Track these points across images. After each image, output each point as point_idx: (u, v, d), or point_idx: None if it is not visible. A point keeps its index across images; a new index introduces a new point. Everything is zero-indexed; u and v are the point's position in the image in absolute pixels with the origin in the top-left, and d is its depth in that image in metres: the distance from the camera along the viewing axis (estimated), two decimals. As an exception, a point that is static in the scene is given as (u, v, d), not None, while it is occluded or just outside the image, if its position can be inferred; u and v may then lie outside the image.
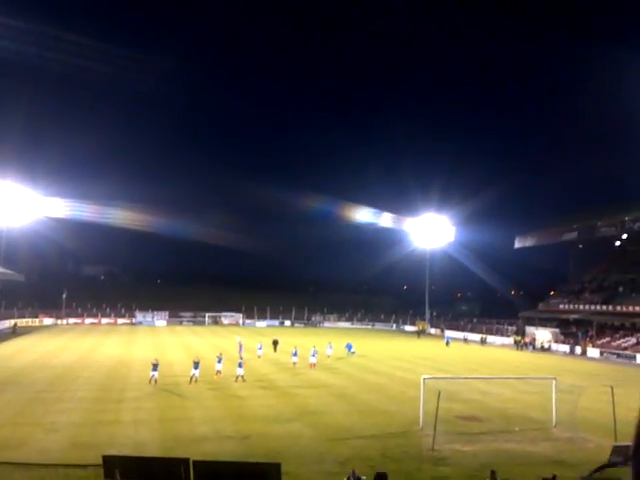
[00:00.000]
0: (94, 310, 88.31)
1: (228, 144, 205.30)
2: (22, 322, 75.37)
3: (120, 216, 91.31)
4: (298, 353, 39.01)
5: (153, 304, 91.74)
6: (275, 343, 47.27)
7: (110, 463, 14.09)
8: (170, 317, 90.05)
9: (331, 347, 45.00)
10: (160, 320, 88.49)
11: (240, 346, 41.59)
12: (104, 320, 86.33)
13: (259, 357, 41.85)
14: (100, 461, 14.43)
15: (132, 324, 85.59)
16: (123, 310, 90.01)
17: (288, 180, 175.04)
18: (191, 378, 29.92)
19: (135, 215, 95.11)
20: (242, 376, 31.22)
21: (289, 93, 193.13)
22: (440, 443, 18.98)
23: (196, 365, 30.30)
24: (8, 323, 70.87)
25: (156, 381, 29.26)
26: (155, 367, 29.63)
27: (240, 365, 31.75)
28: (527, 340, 63.11)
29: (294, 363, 38.41)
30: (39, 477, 14.32)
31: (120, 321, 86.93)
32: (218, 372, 31.72)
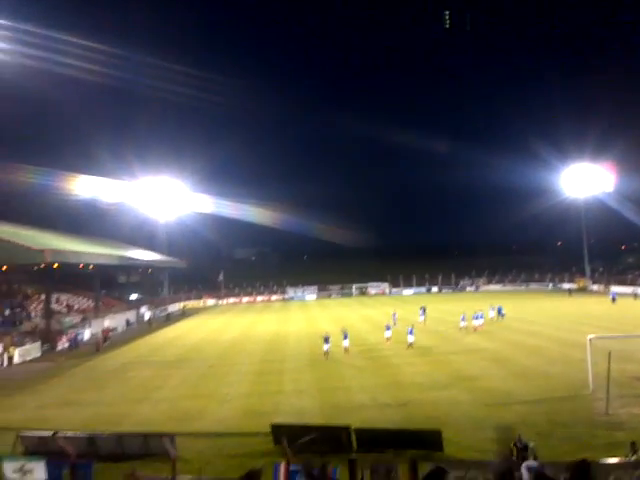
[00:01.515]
0: (249, 289, 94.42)
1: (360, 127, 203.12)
2: (189, 304, 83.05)
3: (257, 212, 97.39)
4: (466, 318, 38.88)
5: (302, 279, 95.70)
6: (423, 310, 46.75)
7: (278, 431, 14.98)
8: (319, 291, 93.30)
9: (493, 310, 44.32)
10: (310, 294, 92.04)
11: (394, 317, 41.72)
12: (259, 298, 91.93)
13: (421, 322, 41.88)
14: (268, 429, 15.41)
15: (284, 300, 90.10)
16: (275, 287, 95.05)
17: (431, 134, 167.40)
18: (345, 349, 30.72)
19: (270, 212, 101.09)
20: (412, 343, 31.59)
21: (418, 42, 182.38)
22: (614, 407, 17.50)
23: (345, 335, 31.06)
24: (178, 306, 78.47)
25: (327, 354, 29.66)
26: (327, 340, 30.05)
27: (411, 332, 32.04)
28: None
29: (466, 326, 38.18)
30: (217, 445, 15.69)
31: (273, 298, 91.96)
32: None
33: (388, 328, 34.92)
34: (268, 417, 17.27)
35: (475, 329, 37.84)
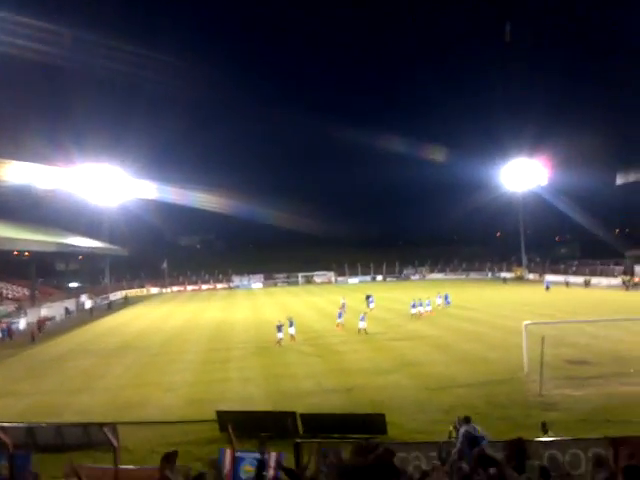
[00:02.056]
0: (194, 277, 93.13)
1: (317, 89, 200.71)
2: (131, 292, 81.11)
3: (203, 199, 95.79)
4: (416, 305, 39.94)
5: (248, 268, 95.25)
6: (368, 298, 47.49)
7: (223, 417, 14.92)
8: (265, 279, 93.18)
9: (440, 297, 46.01)
10: (256, 283, 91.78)
11: (343, 306, 41.71)
12: (204, 286, 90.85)
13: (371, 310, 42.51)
14: (214, 416, 15.31)
15: (230, 288, 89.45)
16: (220, 276, 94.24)
17: (376, 126, 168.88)
18: (290, 336, 30.76)
19: (214, 198, 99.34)
20: (365, 329, 32.39)
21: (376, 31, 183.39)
22: (548, 389, 18.40)
23: (291, 323, 31.12)
24: (120, 294, 76.49)
25: (279, 342, 29.57)
26: (280, 328, 29.94)
27: (362, 319, 32.89)
28: (637, 280, 59.29)
29: (416, 314, 39.17)
30: (161, 434, 15.46)
31: (219, 286, 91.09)
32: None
33: (340, 315, 35.87)
34: (213, 405, 17.15)
35: (421, 315, 39.13)
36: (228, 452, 11.04)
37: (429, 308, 41.05)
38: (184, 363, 26.39)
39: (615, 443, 11.03)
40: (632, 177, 72.44)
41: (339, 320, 35.44)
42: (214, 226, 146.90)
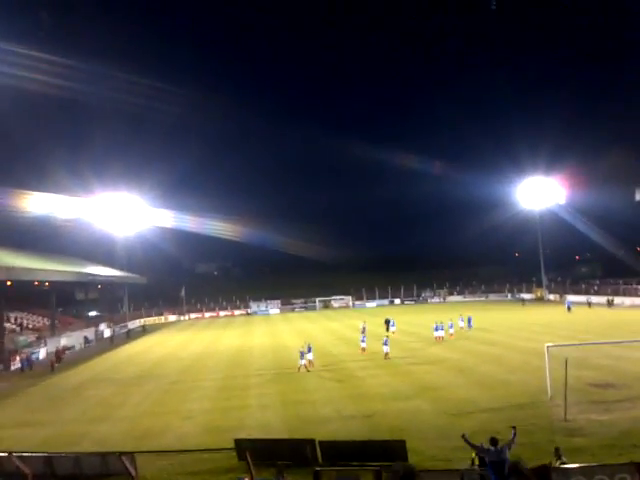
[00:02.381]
0: (211, 304, 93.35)
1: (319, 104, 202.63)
2: (150, 320, 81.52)
3: (219, 227, 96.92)
4: (439, 328, 39.80)
5: (265, 294, 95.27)
6: (387, 322, 47.16)
7: (241, 446, 14.79)
8: (282, 305, 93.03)
9: (462, 320, 45.92)
10: (273, 308, 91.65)
11: (364, 330, 41.18)
12: (222, 313, 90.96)
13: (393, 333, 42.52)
14: (232, 444, 15.19)
15: (248, 314, 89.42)
16: (238, 302, 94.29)
17: (393, 150, 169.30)
18: (308, 362, 30.52)
19: (231, 225, 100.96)
20: (388, 353, 32.25)
21: (384, 49, 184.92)
22: (573, 413, 17.95)
23: (309, 349, 30.92)
24: (138, 322, 76.91)
25: (305, 367, 29.48)
26: (302, 354, 29.83)
27: (386, 343, 32.74)
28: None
29: (438, 336, 39.14)
30: (179, 462, 15.35)
31: (237, 312, 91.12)
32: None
33: (363, 339, 35.98)
34: (231, 433, 17.04)
35: (443, 338, 39.02)
36: (246, 481, 10.91)
37: (452, 330, 40.92)
38: (202, 390, 26.31)
39: (642, 468, 10.73)
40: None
41: (363, 344, 35.39)
42: (230, 253, 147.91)
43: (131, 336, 61.50)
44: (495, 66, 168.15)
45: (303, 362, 29.58)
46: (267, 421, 19.83)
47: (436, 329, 39.62)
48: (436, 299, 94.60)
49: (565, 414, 17.79)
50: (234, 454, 14.95)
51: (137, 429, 19.89)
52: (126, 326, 69.33)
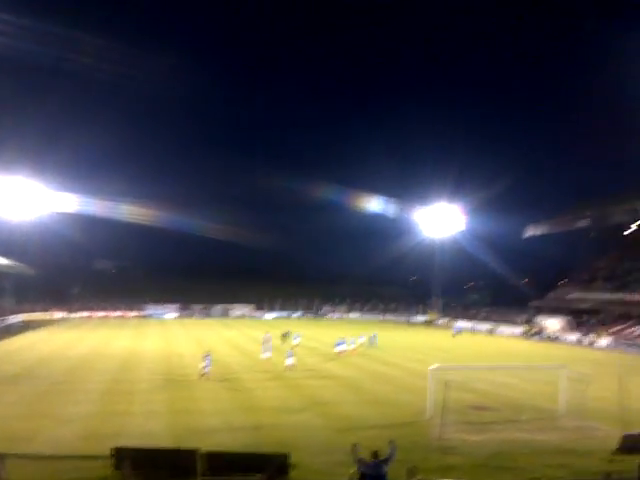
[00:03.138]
0: (105, 304, 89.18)
1: (236, 135, 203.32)
2: (33, 316, 76.36)
3: (130, 211, 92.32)
4: (342, 343, 40.78)
5: (164, 297, 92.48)
6: (285, 335, 47.48)
7: (120, 454, 14.29)
8: (181, 310, 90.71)
9: (363, 337, 46.73)
10: (170, 313, 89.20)
11: (269, 340, 40.42)
12: (115, 313, 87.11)
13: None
14: (110, 452, 14.63)
15: (143, 317, 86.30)
16: (134, 303, 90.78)
17: (297, 169, 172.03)
18: (203, 370, 30.08)
19: (145, 210, 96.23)
20: (292, 365, 32.33)
21: (298, 80, 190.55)
22: (449, 432, 19.02)
23: (207, 357, 30.40)
24: (21, 317, 71.82)
25: (205, 374, 28.99)
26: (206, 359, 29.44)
27: (290, 355, 32.70)
28: (536, 329, 62.89)
29: (340, 352, 39.80)
30: (53, 469, 14.55)
31: (131, 314, 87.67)
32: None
33: (268, 349, 36.14)
34: (111, 440, 16.38)
35: (345, 353, 39.99)
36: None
37: (353, 346, 42.03)
38: (85, 393, 25.04)
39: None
40: (539, 230, 77.45)
41: (268, 354, 35.53)
42: (132, 252, 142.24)
43: (11, 331, 57.31)
44: (401, 101, 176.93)
45: (207, 369, 29.13)
46: (151, 429, 19.26)
47: (338, 344, 40.38)
48: (335, 314, 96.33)
49: (441, 433, 18.81)
50: (112, 462, 14.41)
51: (8, 430, 18.58)
52: (5, 320, 64.49)
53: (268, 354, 35.73)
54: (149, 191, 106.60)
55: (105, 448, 15.07)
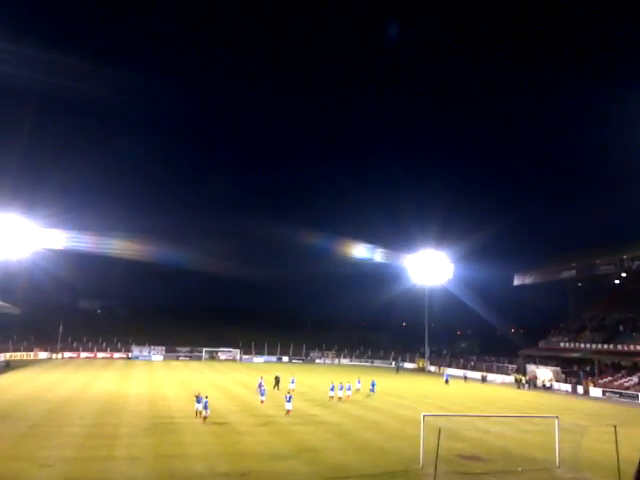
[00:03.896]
0: (90, 344, 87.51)
1: (227, 179, 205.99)
2: (17, 355, 74.69)
3: (118, 247, 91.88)
4: (335, 388, 41.19)
5: (150, 339, 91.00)
6: (277, 380, 46.77)
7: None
8: (167, 352, 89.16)
9: (360, 382, 48.05)
10: (156, 355, 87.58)
11: (260, 384, 40.14)
12: (100, 354, 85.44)
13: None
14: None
15: (128, 358, 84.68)
16: (119, 344, 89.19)
17: (286, 217, 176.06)
18: (196, 413, 29.93)
19: (133, 245, 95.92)
20: (289, 410, 32.47)
21: (287, 131, 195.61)
22: (441, 483, 18.57)
23: (199, 399, 29.99)
24: (3, 357, 70.18)
25: (201, 414, 29.10)
26: (199, 400, 29.83)
27: (289, 400, 32.86)
28: (528, 379, 62.35)
29: (333, 397, 40.39)
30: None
31: (116, 355, 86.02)
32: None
33: (262, 393, 36.95)
34: (94, 485, 15.83)
35: (340, 399, 40.36)
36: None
37: (349, 392, 42.07)
38: (66, 437, 24.24)
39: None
40: (527, 279, 77.78)
41: (262, 398, 36.48)
42: (117, 291, 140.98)
43: (-8, 371, 55.89)
44: (386, 152, 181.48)
45: (200, 408, 29.34)
46: (134, 475, 18.62)
47: (332, 389, 40.61)
48: (323, 360, 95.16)
49: (434, 484, 18.35)
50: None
51: (-15, 475, 17.89)
52: (-12, 359, 62.97)
53: (263, 397, 36.52)
54: (138, 226, 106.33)
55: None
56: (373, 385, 47.52)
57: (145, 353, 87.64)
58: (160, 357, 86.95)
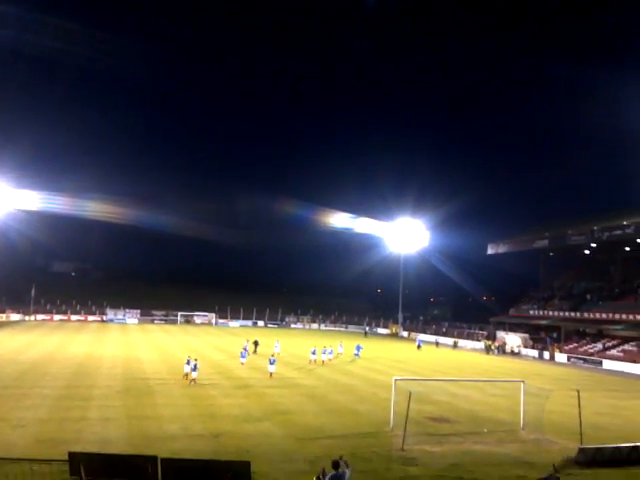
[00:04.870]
0: (63, 307, 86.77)
1: (207, 144, 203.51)
2: (-12, 317, 73.79)
3: (94, 209, 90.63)
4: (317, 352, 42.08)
5: (125, 302, 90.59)
6: (256, 344, 47.21)
7: (76, 460, 13.87)
8: (142, 315, 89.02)
9: (342, 346, 49.15)
10: (131, 318, 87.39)
11: (246, 348, 41.45)
12: (74, 317, 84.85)
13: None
14: (66, 457, 14.19)
15: (103, 321, 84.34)
16: (94, 307, 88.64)
17: (266, 184, 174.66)
18: (185, 375, 30.28)
19: (110, 208, 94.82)
20: (272, 373, 33.36)
21: (266, 98, 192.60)
22: (410, 444, 19.12)
23: (188, 362, 30.47)
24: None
25: (189, 377, 29.65)
26: (189, 362, 30.26)
27: (272, 362, 33.94)
28: (497, 345, 63.98)
29: (314, 361, 41.31)
30: (3, 472, 14.01)
31: (90, 318, 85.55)
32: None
33: (243, 355, 38.09)
34: (67, 445, 15.93)
35: (323, 362, 41.42)
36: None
37: (331, 356, 42.96)
38: (39, 398, 24.24)
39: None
40: (501, 248, 78.99)
41: (242, 360, 37.69)
42: (92, 255, 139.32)
43: (-37, 332, 55.24)
44: (363, 119, 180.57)
45: (187, 370, 29.94)
46: (108, 435, 18.76)
47: (313, 353, 41.63)
48: (299, 325, 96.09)
49: (402, 444, 18.90)
50: (66, 468, 13.98)
51: (-44, 436, 17.86)
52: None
53: (243, 360, 37.75)
54: (115, 188, 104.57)
55: (61, 454, 14.65)
56: (358, 349, 48.33)
57: (120, 316, 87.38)
58: (135, 320, 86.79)
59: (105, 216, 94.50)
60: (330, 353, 43.16)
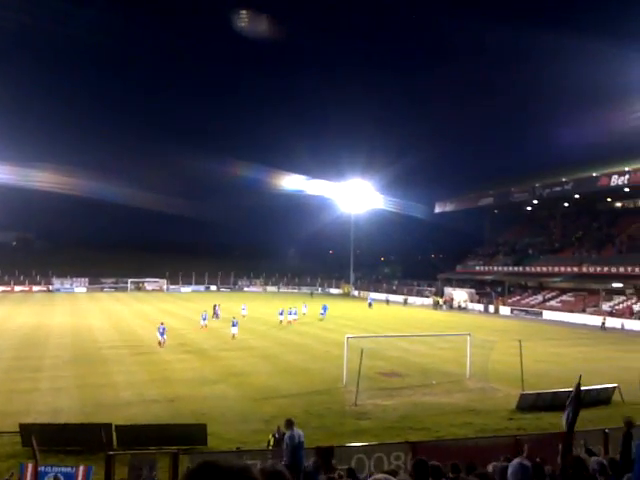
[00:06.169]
0: (6, 277, 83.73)
1: (153, 110, 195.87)
2: None
3: (37, 177, 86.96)
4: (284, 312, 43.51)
5: (72, 271, 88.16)
6: (215, 307, 47.23)
7: (27, 431, 13.72)
8: (90, 284, 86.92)
9: (306, 307, 51.18)
10: (79, 287, 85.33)
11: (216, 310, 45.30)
12: (18, 287, 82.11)
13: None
14: (17, 429, 14.03)
15: (49, 291, 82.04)
16: (38, 277, 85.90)
17: (213, 147, 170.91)
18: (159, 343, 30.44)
19: (55, 177, 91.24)
20: (234, 335, 34.12)
21: (213, 57, 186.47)
22: (362, 399, 19.78)
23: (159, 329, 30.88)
24: None
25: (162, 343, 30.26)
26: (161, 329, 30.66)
27: (235, 324, 34.63)
28: (445, 300, 66.14)
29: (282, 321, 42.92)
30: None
31: (36, 288, 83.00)
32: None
33: (204, 318, 39.08)
34: (18, 417, 15.68)
35: (289, 322, 42.82)
36: (30, 467, 10.20)
37: (295, 317, 44.20)
38: (-15, 372, 23.63)
39: (413, 446, 12.34)
40: (448, 207, 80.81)
41: (203, 323, 38.62)
42: (35, 223, 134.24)
43: None
44: (312, 80, 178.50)
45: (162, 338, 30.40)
46: (60, 405, 18.56)
47: (280, 313, 43.25)
48: (252, 288, 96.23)
49: (355, 400, 19.53)
50: (19, 439, 13.83)
51: None
52: None
53: (204, 322, 38.76)
54: (61, 156, 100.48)
55: (11, 426, 14.45)
56: (325, 309, 49.08)
57: (67, 285, 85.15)
58: (83, 289, 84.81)
59: (49, 185, 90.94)
60: (294, 314, 44.09)
